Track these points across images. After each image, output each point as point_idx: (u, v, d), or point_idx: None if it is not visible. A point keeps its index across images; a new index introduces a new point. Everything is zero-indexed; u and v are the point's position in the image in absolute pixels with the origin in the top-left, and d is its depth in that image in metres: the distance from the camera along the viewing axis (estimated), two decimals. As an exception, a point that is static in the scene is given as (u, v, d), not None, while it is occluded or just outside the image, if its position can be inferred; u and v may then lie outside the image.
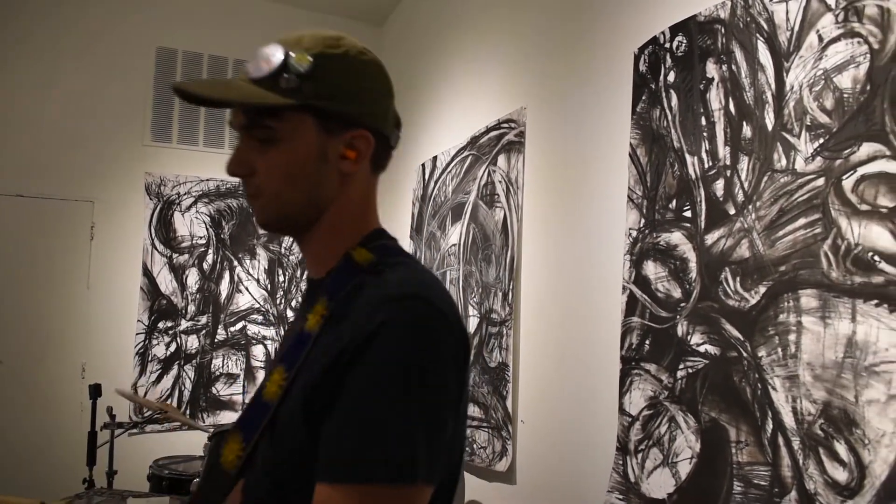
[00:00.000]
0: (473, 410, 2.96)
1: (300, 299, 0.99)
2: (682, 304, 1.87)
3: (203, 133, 4.18)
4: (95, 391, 2.90)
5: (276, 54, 0.81)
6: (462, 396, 0.82)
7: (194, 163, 4.13)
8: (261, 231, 0.86)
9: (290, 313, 4.29)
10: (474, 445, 2.93)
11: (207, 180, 4.16)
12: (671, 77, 1.96)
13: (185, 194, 4.11)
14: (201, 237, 4.15)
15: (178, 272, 4.09)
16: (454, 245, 3.26)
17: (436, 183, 3.53)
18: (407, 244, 3.84)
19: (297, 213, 0.87)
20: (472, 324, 3.02)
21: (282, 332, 3.95)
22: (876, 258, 1.40)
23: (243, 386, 4.17)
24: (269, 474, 0.80)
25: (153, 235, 4.04)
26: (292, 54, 0.81)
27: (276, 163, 0.83)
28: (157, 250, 4.04)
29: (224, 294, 4.16)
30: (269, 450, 0.80)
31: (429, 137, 3.75)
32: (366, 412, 0.71)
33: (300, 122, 0.83)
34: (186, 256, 4.11)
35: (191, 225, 4.12)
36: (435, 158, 3.57)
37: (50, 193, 3.77)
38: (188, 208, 4.12)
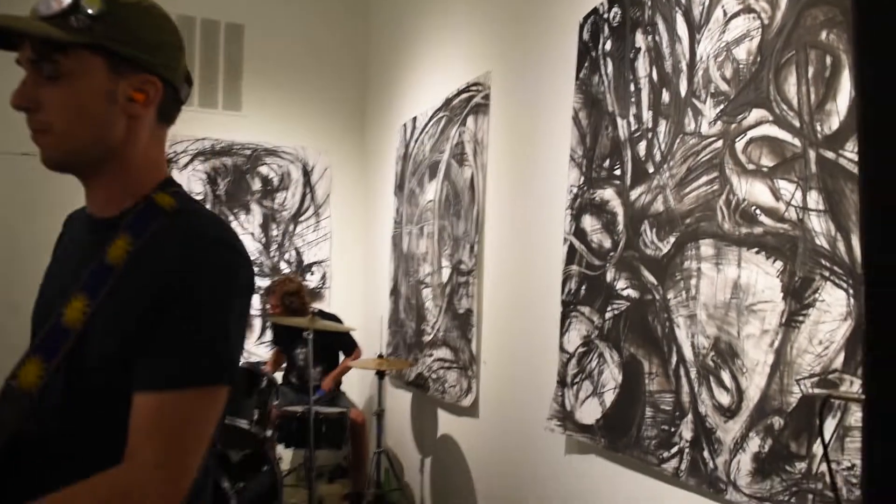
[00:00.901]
0: (445, 353, 3.21)
1: (71, 233, 1.07)
2: (612, 254, 2.08)
3: (198, 93, 4.37)
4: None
5: None
6: (249, 315, 0.99)
7: (189, 122, 4.33)
8: (50, 169, 0.92)
9: (283, 266, 4.54)
10: (445, 384, 3.20)
11: (202, 139, 4.37)
12: (608, 46, 2.13)
13: (181, 153, 4.33)
14: (198, 193, 4.37)
15: (177, 226, 4.32)
16: (430, 201, 3.47)
17: (416, 142, 3.72)
18: (391, 201, 4.06)
19: (83, 152, 0.90)
20: (445, 274, 3.25)
21: (269, 282, 4.17)
22: (758, 211, 1.60)
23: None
24: (75, 398, 0.86)
25: (153, 191, 4.27)
26: None
27: (62, 99, 0.86)
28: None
29: (221, 247, 4.40)
30: (75, 374, 0.86)
31: (410, 98, 3.92)
32: (185, 335, 0.84)
33: (89, 61, 0.87)
34: (185, 211, 4.34)
35: (188, 182, 4.35)
36: (415, 119, 3.75)
37: (55, 151, 3.99)
38: (185, 166, 4.34)
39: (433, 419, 3.42)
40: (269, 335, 4.32)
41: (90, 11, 0.85)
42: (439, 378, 3.27)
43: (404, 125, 3.92)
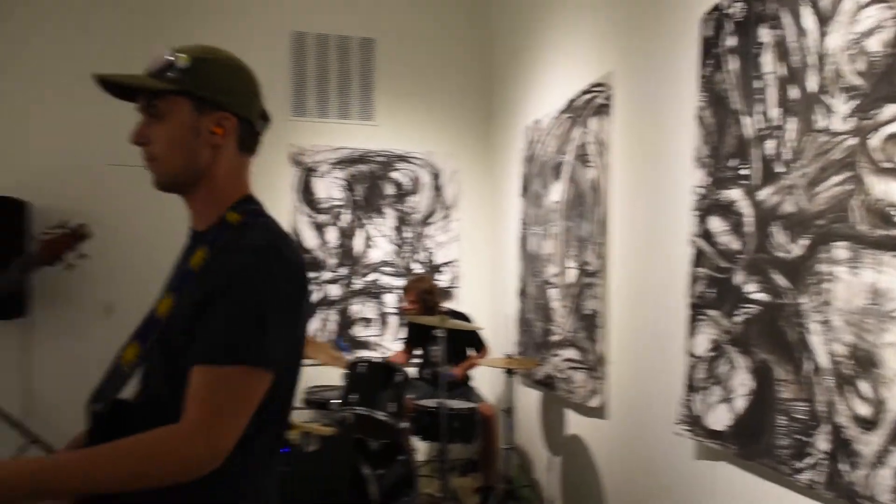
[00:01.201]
0: (572, 354, 3.23)
1: (186, 244, 1.27)
2: (740, 255, 2.02)
3: (336, 106, 4.67)
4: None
5: (164, 55, 1.12)
6: (301, 315, 1.15)
7: (328, 133, 4.65)
8: (158, 189, 1.18)
9: (415, 266, 4.76)
10: (573, 385, 3.22)
11: (340, 148, 4.67)
12: (731, 41, 2.07)
13: (321, 161, 4.65)
14: (338, 199, 4.68)
15: (319, 230, 4.67)
16: (555, 202, 3.49)
17: (540, 144, 3.76)
18: (517, 202, 4.12)
19: (178, 175, 1.15)
20: (571, 275, 3.27)
21: (403, 281, 4.37)
22: (895, 213, 1.51)
23: (380, 328, 4.71)
24: (162, 372, 1.09)
25: (299, 199, 4.63)
26: (178, 55, 1.12)
27: (161, 134, 1.13)
28: (301, 212, 4.63)
29: (359, 249, 4.70)
30: (160, 355, 1.09)
31: (533, 101, 3.96)
32: (228, 323, 1.03)
33: (179, 104, 1.12)
34: (326, 216, 4.68)
35: (328, 189, 4.67)
36: (538, 121, 3.79)
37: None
38: (325, 174, 4.66)
39: (561, 418, 3.45)
40: (403, 332, 4.53)
41: (180, 66, 1.12)
42: (567, 378, 3.30)
43: (528, 127, 3.97)
